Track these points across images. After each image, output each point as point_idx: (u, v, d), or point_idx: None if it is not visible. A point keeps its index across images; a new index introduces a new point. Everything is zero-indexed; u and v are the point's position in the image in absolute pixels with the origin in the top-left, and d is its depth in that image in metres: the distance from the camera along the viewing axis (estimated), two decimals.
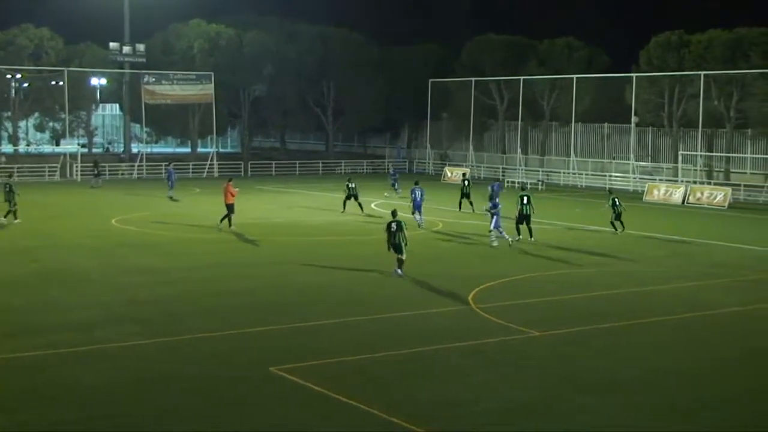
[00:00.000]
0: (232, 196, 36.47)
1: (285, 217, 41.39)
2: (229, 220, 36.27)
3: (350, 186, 42.94)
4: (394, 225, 26.82)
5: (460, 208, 44.77)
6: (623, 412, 15.34)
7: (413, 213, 38.25)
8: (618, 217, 37.75)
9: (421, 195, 38.79)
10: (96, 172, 57.90)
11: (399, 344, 19.17)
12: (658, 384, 16.93)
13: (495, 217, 32.99)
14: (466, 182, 46.11)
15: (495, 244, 32.75)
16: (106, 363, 17.57)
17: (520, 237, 34.22)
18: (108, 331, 19.86)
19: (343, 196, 43.26)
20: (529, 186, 45.85)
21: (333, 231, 37.34)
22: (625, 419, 15.01)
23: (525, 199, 34.20)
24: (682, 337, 20.77)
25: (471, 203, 44.19)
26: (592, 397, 15.98)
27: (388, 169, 56.31)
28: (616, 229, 37.80)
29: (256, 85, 74.37)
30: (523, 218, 34.18)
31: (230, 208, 36.37)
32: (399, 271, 26.61)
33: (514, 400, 15.77)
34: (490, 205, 33.82)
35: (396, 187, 51.89)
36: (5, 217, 37.55)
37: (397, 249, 26.69)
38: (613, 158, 67.62)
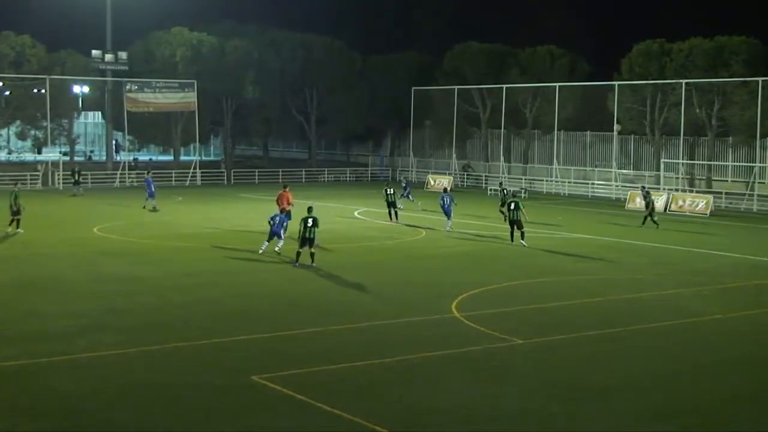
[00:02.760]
0: (289, 204, 35.65)
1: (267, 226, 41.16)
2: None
3: (389, 192, 42.63)
4: (310, 221, 29.12)
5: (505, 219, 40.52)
6: (604, 418, 15.36)
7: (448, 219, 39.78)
8: (651, 213, 42.67)
9: (450, 200, 40.19)
10: (75, 180, 57.55)
11: (382, 353, 19.14)
12: (639, 390, 16.97)
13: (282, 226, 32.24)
14: (505, 191, 46.67)
15: (262, 251, 31.70)
16: (87, 372, 17.46)
17: (513, 242, 35.34)
18: (89, 340, 19.74)
19: (386, 205, 43.07)
20: (508, 191, 45.95)
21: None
22: (605, 425, 15.03)
23: (513, 205, 35.31)
24: (663, 344, 20.80)
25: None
26: (573, 405, 15.99)
27: (401, 181, 54.99)
28: (653, 221, 42.47)
29: (239, 93, 73.93)
30: (513, 223, 35.28)
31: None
32: (313, 264, 29.17)
33: (497, 408, 15.76)
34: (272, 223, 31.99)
35: (410, 198, 50.36)
36: (17, 227, 36.80)
37: (311, 243, 29.16)
38: (596, 166, 67.76)
